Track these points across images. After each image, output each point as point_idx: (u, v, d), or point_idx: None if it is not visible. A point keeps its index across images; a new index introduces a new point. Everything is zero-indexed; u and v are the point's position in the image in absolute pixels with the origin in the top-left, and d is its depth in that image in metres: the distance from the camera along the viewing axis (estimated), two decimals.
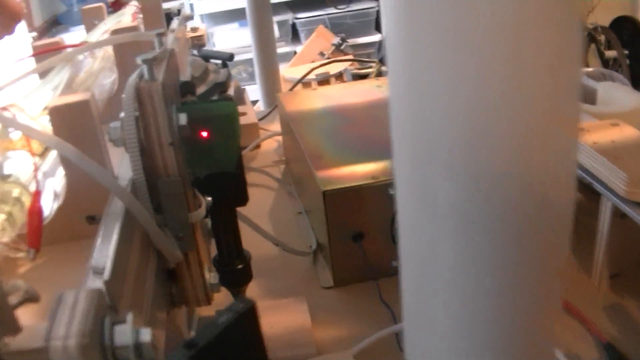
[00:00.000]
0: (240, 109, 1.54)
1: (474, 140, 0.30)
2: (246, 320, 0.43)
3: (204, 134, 0.69)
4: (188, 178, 0.69)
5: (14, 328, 0.50)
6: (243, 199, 0.77)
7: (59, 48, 1.01)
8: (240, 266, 0.81)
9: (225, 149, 0.71)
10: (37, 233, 0.64)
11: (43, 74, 0.94)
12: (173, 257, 0.67)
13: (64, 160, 0.70)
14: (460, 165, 0.31)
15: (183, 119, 0.65)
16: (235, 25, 3.79)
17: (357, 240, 0.90)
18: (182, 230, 0.68)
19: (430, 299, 0.36)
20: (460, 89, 0.30)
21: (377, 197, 0.87)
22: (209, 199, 0.73)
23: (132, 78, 0.62)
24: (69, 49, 0.98)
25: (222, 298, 0.80)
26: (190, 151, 0.69)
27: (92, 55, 1.10)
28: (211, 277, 0.76)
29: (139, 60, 0.62)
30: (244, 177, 0.75)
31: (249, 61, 3.51)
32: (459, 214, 0.32)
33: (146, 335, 0.48)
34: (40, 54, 1.03)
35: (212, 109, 0.70)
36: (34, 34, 3.64)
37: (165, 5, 1.54)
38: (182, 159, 0.66)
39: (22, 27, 3.29)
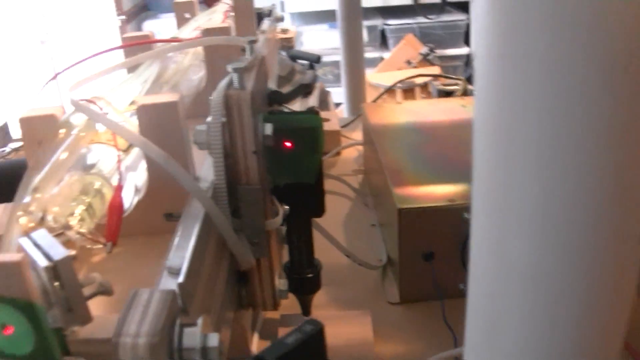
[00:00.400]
0: (324, 114, 1.54)
1: (561, 194, 0.30)
2: (313, 342, 0.43)
3: (288, 144, 0.71)
4: (268, 186, 0.70)
5: (85, 318, 0.51)
6: (320, 211, 0.78)
7: (149, 42, 1.03)
8: (310, 275, 0.82)
9: (307, 161, 0.73)
10: (116, 227, 0.65)
11: (131, 67, 0.96)
12: (246, 262, 0.69)
13: (148, 157, 0.71)
14: (540, 215, 0.30)
15: (268, 128, 0.67)
16: (324, 27, 3.81)
17: (428, 259, 0.90)
18: (257, 237, 0.70)
19: (496, 333, 0.36)
20: (556, 124, 0.29)
21: (452, 219, 0.87)
22: (286, 207, 0.74)
23: (222, 85, 0.64)
24: (160, 45, 1.00)
25: (289, 303, 0.81)
26: (273, 159, 0.71)
27: (182, 51, 1.12)
28: (280, 283, 0.78)
29: (229, 68, 0.64)
30: (322, 189, 0.77)
31: (336, 63, 3.52)
32: (532, 266, 0.31)
33: (214, 340, 0.49)
34: (129, 46, 1.05)
35: (298, 121, 0.72)
36: (123, 17, 3.72)
37: (257, 5, 1.56)
38: (264, 168, 0.68)
39: (111, 9, 3.35)
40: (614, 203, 0.30)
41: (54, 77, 0.82)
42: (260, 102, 0.70)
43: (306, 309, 0.85)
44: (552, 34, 0.28)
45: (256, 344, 0.81)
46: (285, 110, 0.80)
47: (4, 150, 1.49)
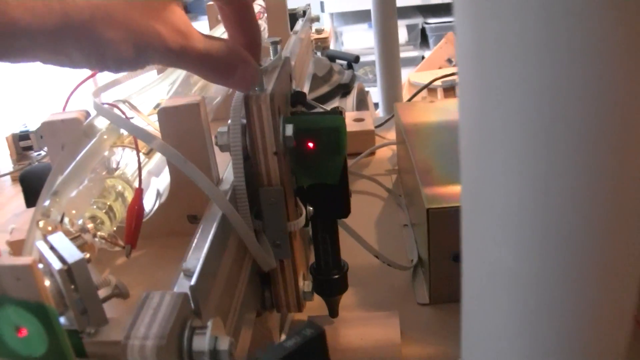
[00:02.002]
0: (360, 114, 1.55)
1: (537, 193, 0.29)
2: (313, 346, 0.43)
3: (310, 145, 0.70)
4: (290, 187, 0.70)
5: (101, 320, 0.51)
6: (344, 212, 0.78)
7: None
8: (336, 276, 0.81)
9: (330, 162, 0.72)
10: (134, 231, 0.65)
11: (162, 70, 0.96)
12: (266, 264, 0.69)
13: (169, 160, 0.72)
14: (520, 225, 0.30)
15: (289, 129, 0.67)
16: (364, 26, 3.81)
17: (458, 260, 0.89)
18: (279, 238, 0.70)
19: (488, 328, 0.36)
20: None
21: None
22: (311, 208, 0.75)
23: None
24: None
25: (317, 305, 0.81)
26: (296, 161, 0.71)
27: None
28: (305, 285, 0.77)
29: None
30: (347, 190, 0.76)
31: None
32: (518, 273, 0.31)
33: (225, 343, 0.49)
34: None
35: (320, 121, 0.71)
36: None
37: (292, 5, 1.56)
38: (286, 169, 0.69)
39: None
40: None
41: (90, 77, 0.82)
42: (282, 104, 0.70)
43: (333, 310, 0.85)
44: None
45: None
46: (313, 109, 0.79)
47: (39, 154, 1.51)
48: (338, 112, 0.73)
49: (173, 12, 0.57)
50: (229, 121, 0.65)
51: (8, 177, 1.50)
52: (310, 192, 0.75)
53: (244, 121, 0.66)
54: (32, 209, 0.98)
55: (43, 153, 1.52)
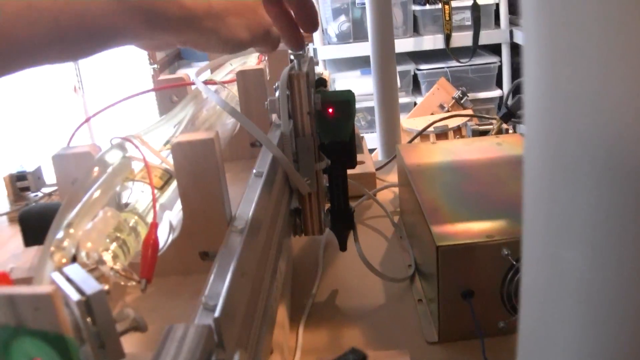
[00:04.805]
0: (359, 157, 1.55)
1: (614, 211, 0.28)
2: None
3: (330, 111, 0.98)
4: (316, 140, 0.97)
5: (118, 355, 0.50)
6: (352, 163, 1.05)
7: (184, 85, 1.03)
8: (346, 214, 1.07)
9: (343, 124, 1.00)
10: (150, 264, 0.64)
11: (164, 110, 0.96)
12: (304, 189, 0.95)
13: (183, 195, 0.71)
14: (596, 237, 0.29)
15: (317, 98, 0.95)
16: (357, 73, 3.82)
17: (467, 297, 0.88)
18: (309, 175, 0.96)
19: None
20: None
21: (491, 255, 0.86)
22: (328, 161, 1.00)
23: (286, 69, 0.91)
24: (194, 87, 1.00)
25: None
26: (319, 124, 0.98)
27: (218, 94, 1.12)
28: (324, 215, 1.02)
29: (291, 55, 0.94)
30: (354, 146, 1.04)
31: (368, 109, 3.54)
32: (586, 287, 0.30)
33: None
34: (164, 88, 1.05)
35: (337, 95, 0.99)
36: (156, 66, 3.73)
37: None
38: (314, 126, 0.95)
39: (144, 58, 3.37)
40: None
41: (87, 120, 0.82)
42: (311, 83, 0.95)
43: (343, 244, 1.10)
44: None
45: None
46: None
47: (37, 195, 1.50)
48: (350, 91, 1.00)
49: (262, 7, 0.83)
50: (276, 93, 0.90)
51: (5, 218, 1.49)
52: (328, 147, 1.01)
53: (288, 93, 0.91)
54: (32, 249, 0.97)
55: (40, 194, 1.51)
